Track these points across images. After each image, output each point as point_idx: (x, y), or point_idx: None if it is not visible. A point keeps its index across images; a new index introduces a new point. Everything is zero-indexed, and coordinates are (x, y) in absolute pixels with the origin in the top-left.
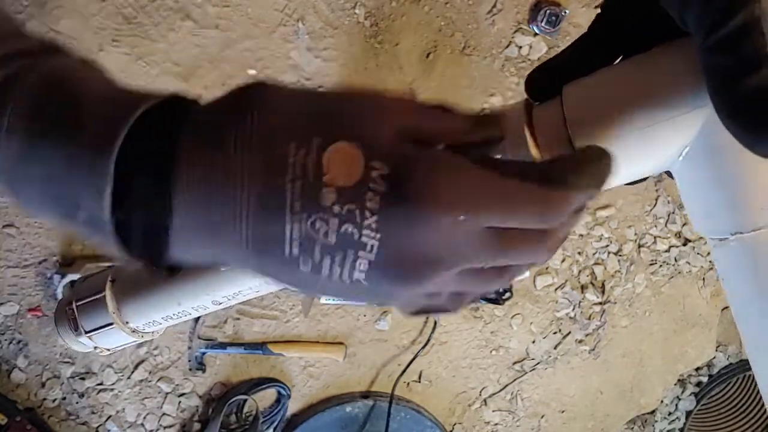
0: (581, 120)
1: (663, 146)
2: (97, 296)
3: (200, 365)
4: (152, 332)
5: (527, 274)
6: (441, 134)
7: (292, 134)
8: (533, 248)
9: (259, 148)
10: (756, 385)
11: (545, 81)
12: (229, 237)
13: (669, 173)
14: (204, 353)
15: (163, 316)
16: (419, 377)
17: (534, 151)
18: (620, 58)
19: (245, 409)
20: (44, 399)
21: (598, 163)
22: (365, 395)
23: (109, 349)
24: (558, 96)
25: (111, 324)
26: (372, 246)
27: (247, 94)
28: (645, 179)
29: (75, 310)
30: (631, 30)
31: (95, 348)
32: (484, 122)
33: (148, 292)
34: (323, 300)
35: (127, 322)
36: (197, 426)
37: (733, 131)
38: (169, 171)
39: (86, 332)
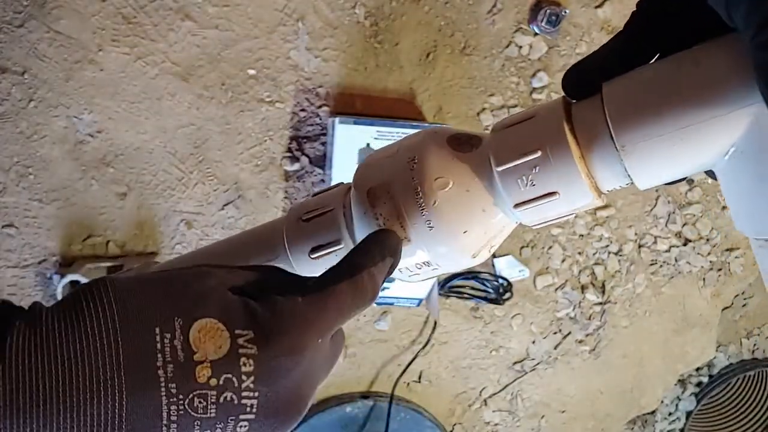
0: (624, 118)
1: (708, 145)
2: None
3: None
4: None
5: (527, 274)
6: (267, 280)
7: (153, 320)
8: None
9: (121, 338)
10: (756, 385)
11: (583, 79)
12: None
13: (711, 173)
14: None
15: None
16: (419, 377)
17: (575, 150)
18: (659, 56)
19: None
20: None
21: (384, 240)
22: (365, 395)
23: None
24: (597, 94)
25: None
26: (252, 405)
27: (90, 290)
28: (684, 179)
29: None
30: (670, 26)
31: None
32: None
33: None
34: None
35: None
36: None
37: None
38: None
39: None
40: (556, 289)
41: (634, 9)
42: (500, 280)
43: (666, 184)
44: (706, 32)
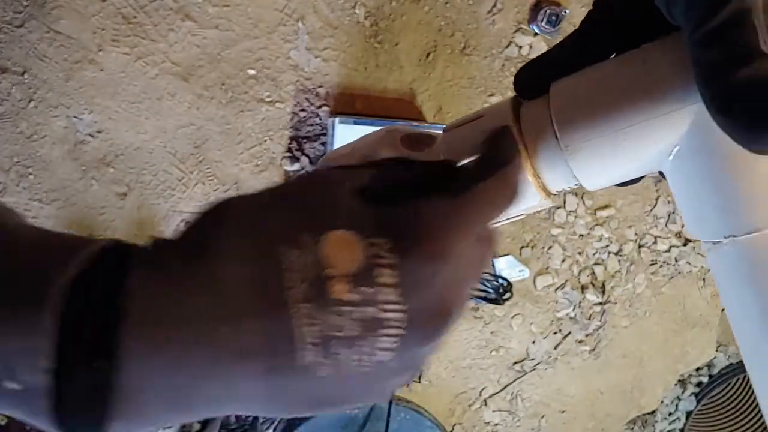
0: (567, 117)
1: (651, 145)
2: None
3: None
4: None
5: (527, 274)
6: (400, 182)
7: (277, 238)
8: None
9: (243, 261)
10: None
11: (534, 78)
12: (219, 378)
13: (663, 174)
14: None
15: None
16: (419, 377)
17: (521, 150)
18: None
19: None
20: None
21: (501, 137)
22: None
23: None
24: (546, 94)
25: None
26: (395, 319)
27: (207, 215)
28: (638, 180)
29: None
30: (621, 26)
31: None
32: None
33: None
34: None
35: None
36: (197, 426)
37: (723, 126)
38: (116, 318)
39: None
40: (556, 289)
41: (590, 8)
42: (500, 280)
43: (618, 185)
44: (658, 31)
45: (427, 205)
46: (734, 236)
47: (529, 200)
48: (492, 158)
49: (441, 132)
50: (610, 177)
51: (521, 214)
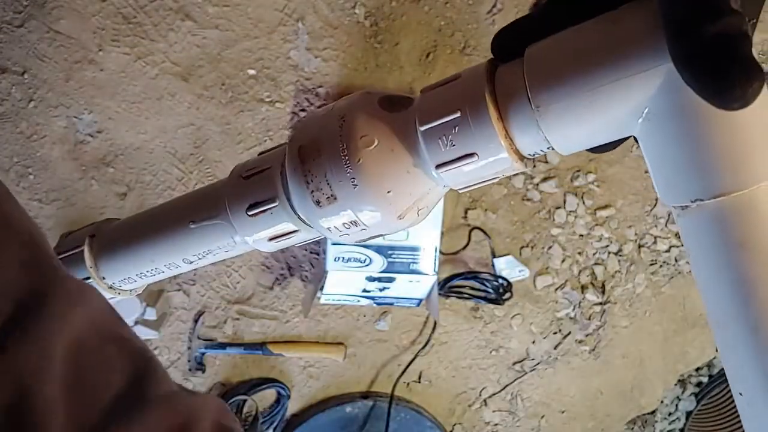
0: (539, 77)
1: (621, 106)
2: (76, 250)
3: (200, 365)
4: (129, 290)
5: (527, 274)
6: None
7: None
8: None
9: None
10: None
11: (510, 40)
12: None
13: (636, 139)
14: (203, 353)
15: (138, 273)
16: (419, 377)
17: (492, 111)
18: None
19: (245, 410)
20: None
21: None
22: (365, 395)
23: None
24: (521, 57)
25: (88, 278)
26: None
27: None
28: (613, 146)
29: None
30: None
31: None
32: None
33: (124, 248)
34: (323, 300)
35: (103, 278)
36: None
37: (690, 81)
38: None
39: None
40: (556, 289)
41: None
42: (500, 280)
43: (592, 150)
44: None
45: None
46: (701, 200)
47: (501, 163)
48: None
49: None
50: (581, 139)
51: (495, 177)
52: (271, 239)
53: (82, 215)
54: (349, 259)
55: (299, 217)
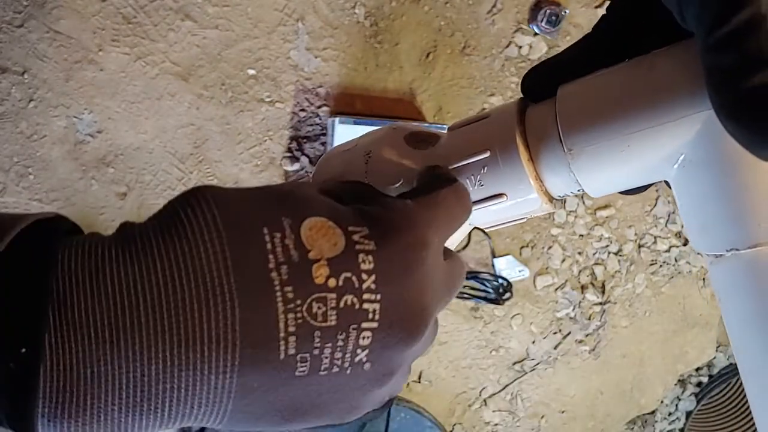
0: (572, 120)
1: (656, 152)
2: None
3: None
4: None
5: (527, 274)
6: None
7: (259, 220)
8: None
9: (219, 239)
10: None
11: (542, 80)
12: (180, 370)
13: (668, 183)
14: None
15: None
16: (419, 377)
17: (522, 152)
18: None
19: None
20: None
21: (438, 167)
22: None
23: None
24: (554, 96)
25: None
26: (374, 310)
27: (186, 199)
28: (643, 189)
29: None
30: (631, 32)
31: None
32: None
33: None
34: None
35: None
36: (197, 426)
37: (733, 132)
38: (42, 297)
39: None
40: (556, 289)
41: (604, 13)
42: (500, 280)
43: (622, 193)
44: (668, 39)
45: (398, 202)
46: (737, 249)
47: (531, 204)
48: (439, 175)
49: (445, 131)
50: (613, 184)
51: (522, 218)
52: None
53: (82, 215)
54: None
55: None
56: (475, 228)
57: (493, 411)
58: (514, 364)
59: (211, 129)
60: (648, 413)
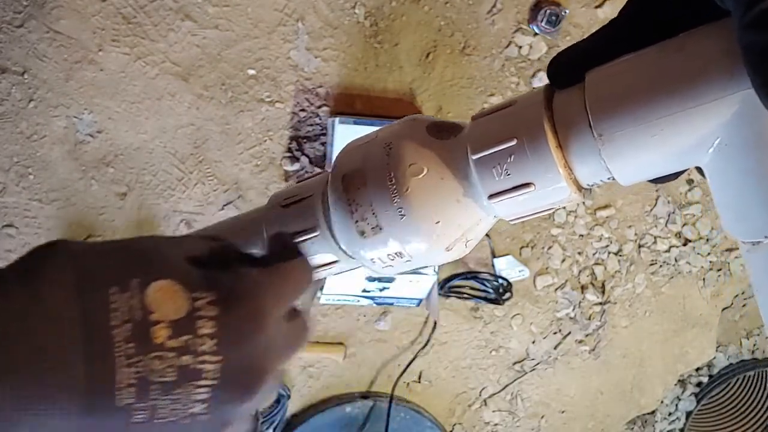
0: (603, 105)
1: (690, 136)
2: None
3: None
4: None
5: (527, 274)
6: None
7: (108, 279)
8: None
9: (73, 298)
10: (756, 385)
11: (568, 66)
12: (27, 412)
13: (700, 170)
14: None
15: None
16: (419, 377)
17: (551, 139)
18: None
19: None
20: None
21: (283, 236)
22: (365, 395)
23: None
24: (581, 82)
25: None
26: (213, 370)
27: (40, 252)
28: (674, 177)
29: None
30: (660, 14)
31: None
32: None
33: None
34: (323, 300)
35: None
36: None
37: None
38: None
39: None
40: (556, 289)
41: None
42: (500, 280)
43: (652, 181)
44: (701, 18)
45: (246, 272)
46: None
47: (559, 193)
48: (287, 247)
49: (468, 121)
50: (645, 170)
51: (549, 209)
52: None
53: (82, 215)
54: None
55: (340, 248)
56: None
57: (493, 411)
58: (514, 364)
59: (211, 129)
60: (648, 413)
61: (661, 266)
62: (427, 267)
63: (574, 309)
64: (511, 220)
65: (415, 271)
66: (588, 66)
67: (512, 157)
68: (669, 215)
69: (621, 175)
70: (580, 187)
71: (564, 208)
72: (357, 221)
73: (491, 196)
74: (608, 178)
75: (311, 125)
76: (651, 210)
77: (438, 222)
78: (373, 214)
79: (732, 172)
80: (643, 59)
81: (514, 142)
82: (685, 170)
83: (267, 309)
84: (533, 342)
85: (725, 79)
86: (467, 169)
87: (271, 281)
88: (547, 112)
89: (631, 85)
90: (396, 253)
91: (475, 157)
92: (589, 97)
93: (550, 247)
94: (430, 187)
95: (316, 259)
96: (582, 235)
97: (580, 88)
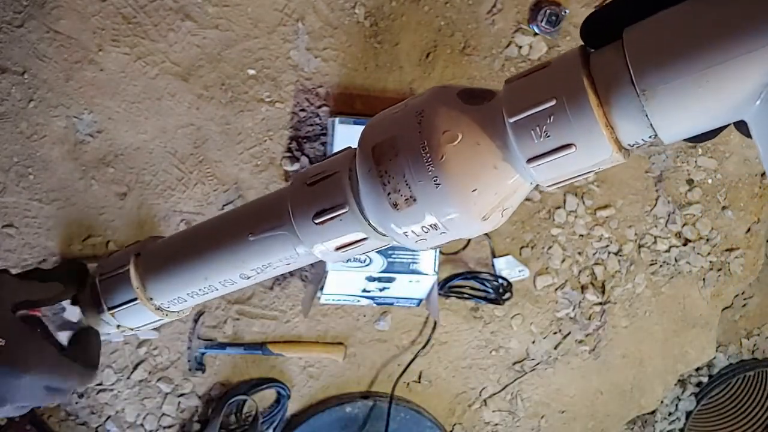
0: (645, 59)
1: (737, 86)
2: (121, 271)
3: (200, 365)
4: (177, 311)
5: (527, 274)
6: (38, 304)
7: None
8: None
9: None
10: (756, 385)
11: (603, 25)
12: None
13: (741, 128)
14: (203, 353)
15: (189, 292)
16: (419, 377)
17: (592, 97)
18: None
19: (245, 410)
20: None
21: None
22: (365, 395)
23: (132, 329)
24: (618, 40)
25: (135, 300)
26: None
27: None
28: (715, 134)
29: (98, 285)
30: None
31: (118, 327)
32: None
33: (174, 266)
34: (323, 300)
35: (151, 299)
36: (197, 426)
37: None
38: None
39: (109, 309)
40: (556, 289)
41: None
42: (500, 280)
43: (691, 140)
44: None
45: (29, 338)
46: None
47: (601, 154)
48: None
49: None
50: (689, 126)
51: (588, 172)
52: (338, 248)
53: (82, 215)
54: (349, 259)
55: (369, 224)
56: None
57: (493, 411)
58: (514, 364)
59: (211, 129)
60: (648, 413)
61: (661, 266)
62: (462, 238)
63: (574, 309)
64: (549, 186)
65: (415, 271)
66: (622, 25)
67: (552, 117)
68: (669, 215)
69: (664, 131)
70: (621, 147)
71: (564, 207)
72: (389, 193)
73: (530, 160)
74: (650, 137)
75: (311, 125)
76: (651, 210)
77: (475, 190)
78: (407, 184)
79: None
80: (685, 10)
81: (553, 102)
82: (727, 126)
83: (22, 372)
84: (533, 342)
85: None
86: (504, 134)
87: (42, 353)
88: (585, 71)
89: (675, 36)
90: (431, 225)
91: (512, 120)
92: (629, 51)
93: (550, 247)
94: (466, 154)
95: (347, 236)
96: (582, 235)
97: (616, 46)
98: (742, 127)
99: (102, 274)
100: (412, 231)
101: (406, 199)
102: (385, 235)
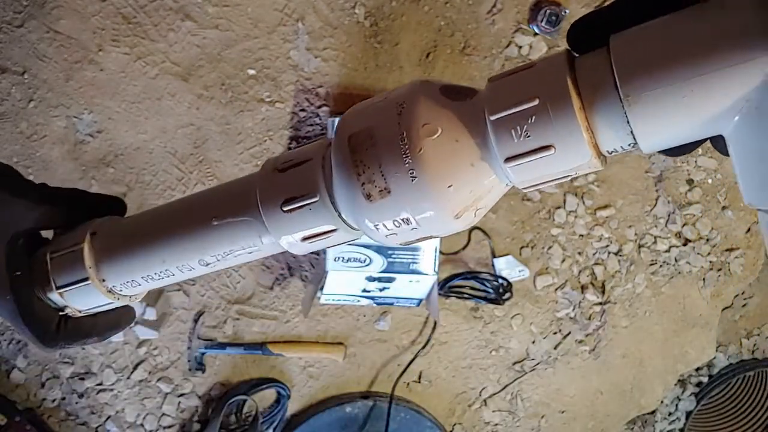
0: (630, 64)
1: (719, 99)
2: (74, 249)
3: (200, 365)
4: (130, 296)
5: (527, 274)
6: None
7: None
8: None
9: None
10: (756, 385)
11: (591, 30)
12: None
13: (717, 145)
14: (203, 353)
15: (144, 275)
16: (419, 377)
17: (576, 101)
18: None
19: (245, 410)
20: (44, 399)
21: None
22: (365, 395)
23: (80, 311)
24: (604, 46)
25: (86, 280)
26: None
27: None
28: (693, 147)
29: (48, 263)
30: None
31: (66, 308)
32: None
33: (131, 247)
34: (323, 300)
35: (103, 280)
36: (197, 426)
37: None
38: None
39: (57, 288)
40: (556, 289)
41: None
42: (500, 280)
43: (667, 152)
44: None
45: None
46: None
47: (579, 158)
48: None
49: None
50: (669, 135)
51: (564, 176)
52: (305, 239)
53: None
54: (349, 259)
55: (340, 215)
56: (475, 228)
57: (493, 411)
58: (514, 364)
59: (211, 129)
60: (648, 413)
61: (661, 266)
62: (431, 238)
63: (574, 309)
64: (523, 188)
65: (415, 272)
66: (610, 31)
67: (533, 118)
68: (669, 215)
69: (644, 139)
70: (599, 153)
71: (564, 207)
72: (363, 183)
73: (508, 160)
74: (629, 145)
75: (311, 125)
76: (651, 210)
77: (450, 186)
78: (382, 176)
79: (756, 138)
80: (673, 20)
81: (536, 103)
82: (704, 141)
83: None
84: (533, 342)
85: (757, 38)
86: (484, 132)
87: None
88: (570, 73)
89: (661, 44)
90: (403, 219)
91: (493, 117)
92: (615, 57)
93: (550, 247)
94: (444, 149)
95: (315, 227)
96: (582, 235)
97: (603, 51)
98: (719, 143)
99: (54, 251)
100: (384, 225)
101: (380, 191)
102: (355, 229)
